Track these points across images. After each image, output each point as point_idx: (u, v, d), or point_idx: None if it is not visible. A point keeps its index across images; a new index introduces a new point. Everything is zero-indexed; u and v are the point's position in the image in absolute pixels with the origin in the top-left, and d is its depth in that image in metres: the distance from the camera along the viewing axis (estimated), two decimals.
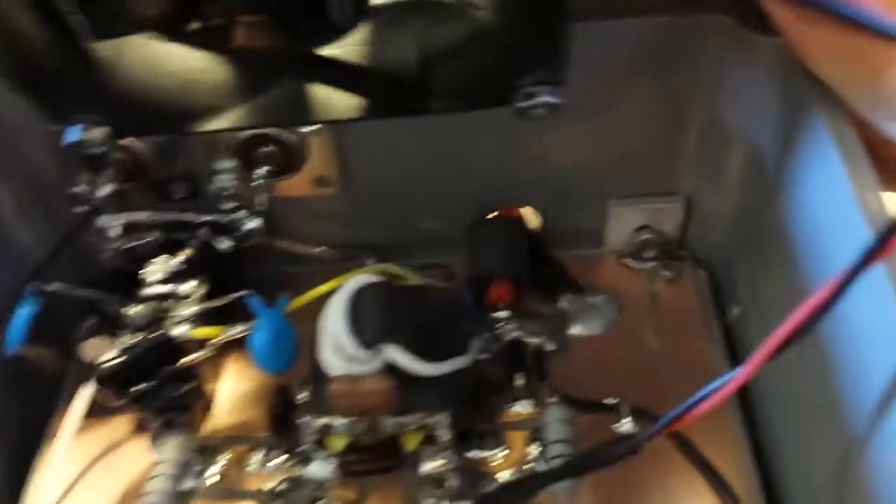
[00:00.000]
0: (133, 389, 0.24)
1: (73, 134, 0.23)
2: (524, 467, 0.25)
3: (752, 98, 0.25)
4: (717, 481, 0.24)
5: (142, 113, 0.23)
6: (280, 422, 0.26)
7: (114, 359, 0.24)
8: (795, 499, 0.24)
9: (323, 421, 0.24)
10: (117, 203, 0.28)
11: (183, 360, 0.25)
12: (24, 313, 0.25)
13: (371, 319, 0.24)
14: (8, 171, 0.28)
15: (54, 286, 0.25)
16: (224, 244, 0.28)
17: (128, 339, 0.26)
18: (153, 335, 0.25)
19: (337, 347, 0.24)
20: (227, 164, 0.28)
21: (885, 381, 0.17)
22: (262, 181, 0.27)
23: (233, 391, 0.28)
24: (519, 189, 0.29)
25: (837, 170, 0.19)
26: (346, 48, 0.22)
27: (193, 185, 0.28)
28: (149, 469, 0.25)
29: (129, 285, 0.27)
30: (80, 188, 0.28)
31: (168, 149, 0.28)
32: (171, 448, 0.25)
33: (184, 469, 0.25)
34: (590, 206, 0.30)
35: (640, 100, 0.26)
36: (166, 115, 0.23)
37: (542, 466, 0.25)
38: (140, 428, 0.27)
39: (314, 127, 0.26)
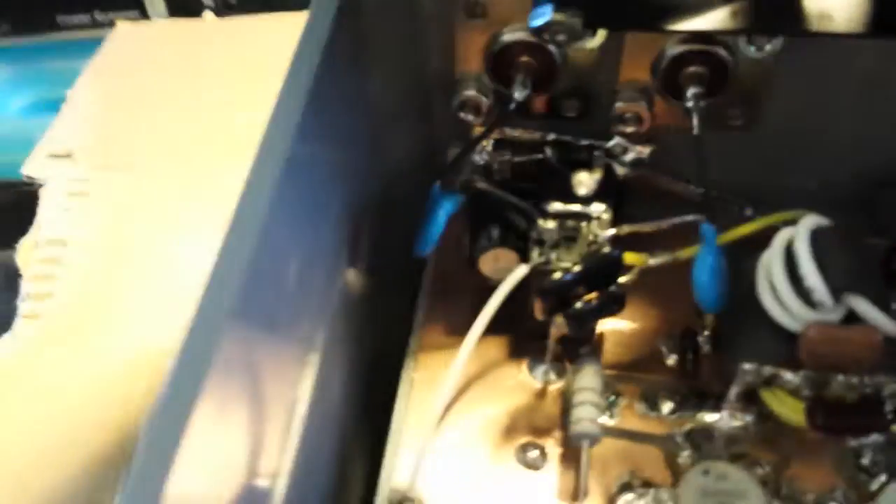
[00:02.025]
0: (574, 307, 0.22)
1: (543, 14, 0.21)
2: None
3: None
4: None
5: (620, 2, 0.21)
6: (689, 363, 0.24)
7: (563, 272, 0.22)
8: None
9: (770, 370, 0.22)
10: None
11: (617, 283, 0.22)
12: (443, 212, 0.23)
13: (840, 265, 0.21)
14: (395, 56, 0.26)
15: (471, 183, 0.23)
16: (622, 170, 0.25)
17: (537, 256, 0.24)
18: (596, 255, 0.22)
19: (792, 291, 0.21)
20: (641, 81, 0.25)
21: None
22: (690, 103, 0.24)
23: (621, 327, 0.26)
24: None
25: None
26: None
27: (586, 104, 0.26)
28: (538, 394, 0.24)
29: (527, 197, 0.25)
30: (474, 91, 0.26)
31: (576, 58, 0.25)
32: (593, 375, 0.23)
33: (600, 405, 0.23)
34: None
35: None
36: (646, 7, 0.21)
37: None
38: (515, 352, 0.25)
39: (768, 47, 0.24)
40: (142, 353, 0.27)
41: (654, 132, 0.26)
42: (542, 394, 0.24)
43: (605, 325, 0.25)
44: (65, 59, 0.45)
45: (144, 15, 0.46)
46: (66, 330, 0.29)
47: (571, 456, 0.23)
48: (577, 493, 0.22)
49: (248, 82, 0.35)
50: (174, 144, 0.34)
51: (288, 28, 0.21)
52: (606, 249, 0.23)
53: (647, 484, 0.22)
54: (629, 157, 0.26)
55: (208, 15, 0.45)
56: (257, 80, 0.28)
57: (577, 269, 0.22)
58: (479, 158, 0.26)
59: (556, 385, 0.24)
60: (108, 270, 0.30)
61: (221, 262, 0.17)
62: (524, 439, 0.23)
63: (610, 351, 0.25)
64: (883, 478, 0.22)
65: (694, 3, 0.21)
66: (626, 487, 0.22)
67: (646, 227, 0.24)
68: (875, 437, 0.22)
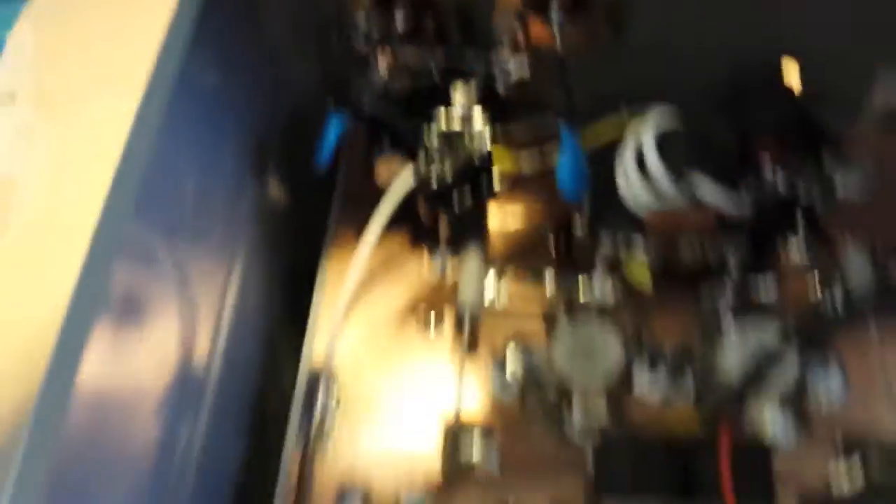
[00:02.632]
0: (451, 203, 0.25)
1: None
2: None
3: None
4: None
5: None
6: (563, 246, 0.27)
7: (435, 174, 0.25)
8: None
9: (626, 244, 0.25)
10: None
11: (485, 182, 0.26)
12: (334, 129, 0.27)
13: (681, 152, 0.25)
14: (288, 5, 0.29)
15: (363, 103, 0.27)
16: (502, 87, 0.29)
17: (423, 162, 0.27)
18: (464, 158, 0.26)
19: (641, 178, 0.25)
20: (511, 5, 0.28)
21: None
22: (554, 24, 0.28)
23: (510, 219, 0.29)
24: (783, 48, 0.30)
25: None
26: None
27: (469, 28, 0.29)
28: (425, 283, 0.27)
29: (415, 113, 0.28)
30: (363, 20, 0.29)
31: None
32: (475, 259, 0.26)
33: (482, 282, 0.26)
34: (855, 71, 0.30)
35: None
36: None
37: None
38: (414, 245, 0.29)
39: None
40: None
41: (531, 51, 0.29)
42: (439, 276, 0.28)
43: (494, 221, 0.29)
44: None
45: None
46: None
47: (465, 329, 0.26)
48: (468, 350, 0.26)
49: None
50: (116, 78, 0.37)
51: None
52: (481, 156, 0.27)
53: (528, 344, 0.26)
54: (509, 75, 0.29)
55: None
56: None
57: (453, 174, 0.25)
58: (375, 81, 0.30)
59: (451, 267, 0.28)
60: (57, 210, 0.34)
61: (118, 174, 0.20)
62: (422, 314, 0.27)
63: (497, 235, 0.29)
64: (727, 329, 0.26)
65: None
66: (509, 346, 0.26)
67: (516, 131, 0.27)
68: (719, 296, 0.26)
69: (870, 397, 0.24)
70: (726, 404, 0.22)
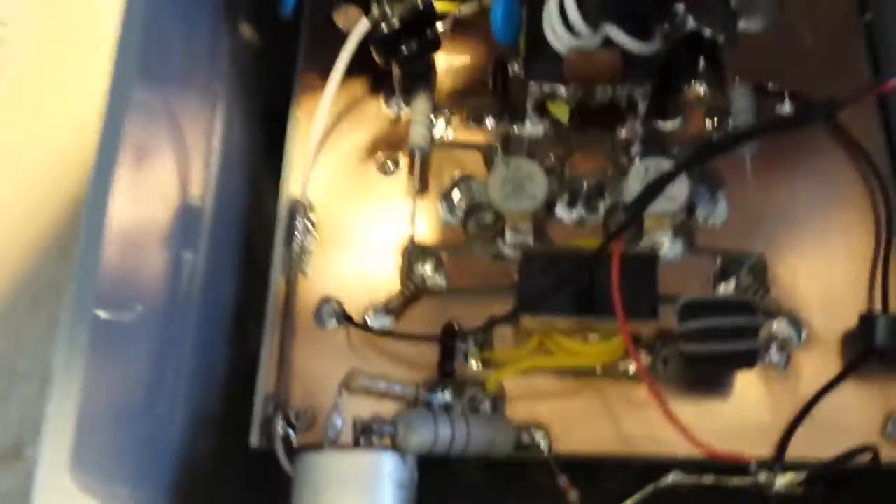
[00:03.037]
0: (400, 49, 0.29)
1: None
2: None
3: None
4: (859, 152, 0.30)
5: None
6: (500, 88, 0.32)
7: (383, 21, 0.29)
8: None
9: (548, 87, 0.30)
10: None
11: (430, 30, 0.29)
12: None
13: (593, 4, 0.28)
14: None
15: None
16: None
17: (376, 10, 0.30)
18: (414, 8, 0.29)
19: (563, 23, 0.29)
20: None
21: None
22: None
23: (454, 63, 0.33)
24: None
25: None
26: None
27: None
28: (392, 121, 0.32)
29: None
30: None
31: None
32: (425, 102, 0.31)
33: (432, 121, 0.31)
34: None
35: None
36: None
37: None
38: (374, 90, 0.33)
39: None
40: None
41: None
42: (396, 120, 0.32)
43: (440, 65, 0.33)
44: None
45: None
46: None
47: (417, 164, 0.31)
48: (419, 184, 0.31)
49: None
50: None
51: None
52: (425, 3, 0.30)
53: (470, 177, 0.31)
54: None
55: None
56: None
57: (400, 21, 0.29)
58: None
59: (405, 111, 0.32)
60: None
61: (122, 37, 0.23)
62: (381, 154, 0.32)
63: (444, 82, 0.33)
64: (637, 159, 0.31)
65: None
66: (455, 184, 0.31)
67: None
68: (634, 131, 0.31)
69: (744, 221, 0.30)
70: (626, 223, 0.27)
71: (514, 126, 0.32)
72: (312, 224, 0.31)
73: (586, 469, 0.26)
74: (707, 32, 0.32)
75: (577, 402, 0.27)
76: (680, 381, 0.27)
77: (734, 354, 0.25)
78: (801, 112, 0.31)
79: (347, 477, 0.23)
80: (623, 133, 0.31)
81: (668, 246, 0.29)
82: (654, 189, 0.26)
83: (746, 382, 0.27)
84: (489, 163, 0.31)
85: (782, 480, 0.24)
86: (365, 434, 0.24)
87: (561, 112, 0.30)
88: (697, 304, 0.26)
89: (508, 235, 0.30)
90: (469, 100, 0.32)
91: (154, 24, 0.24)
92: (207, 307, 0.29)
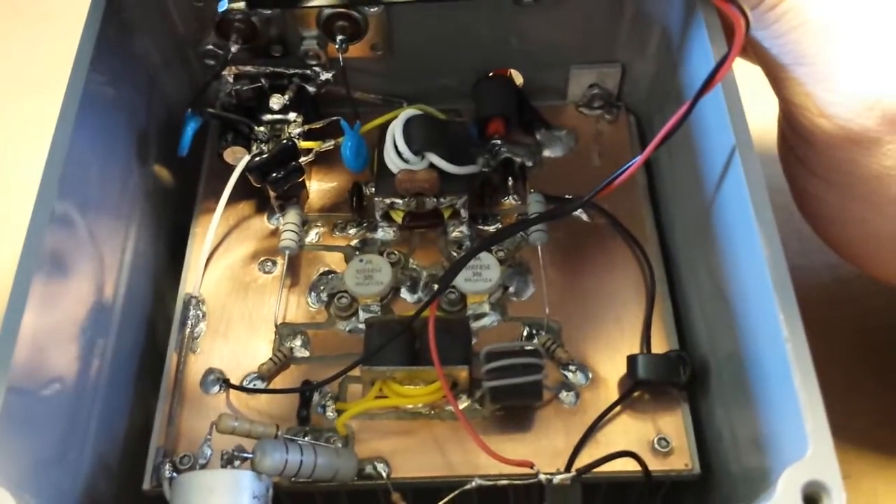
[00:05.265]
0: (271, 176, 0.38)
1: (223, 4, 0.37)
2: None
3: None
4: (626, 234, 0.39)
5: None
6: (357, 204, 0.40)
7: (258, 156, 0.38)
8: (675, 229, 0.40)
9: (389, 200, 0.38)
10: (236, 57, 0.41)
11: (300, 160, 0.38)
12: (190, 127, 0.39)
13: (418, 136, 0.38)
14: (155, 29, 0.40)
15: (211, 109, 0.39)
16: (311, 89, 0.41)
17: (255, 148, 0.39)
18: (281, 143, 0.38)
19: (397, 153, 0.38)
20: (314, 32, 0.40)
21: (722, 155, 0.32)
22: (337, 46, 0.40)
23: (323, 187, 0.42)
24: (508, 57, 0.43)
25: (707, 49, 0.33)
26: None
27: (286, 48, 0.41)
28: (272, 233, 0.40)
29: (250, 114, 0.40)
30: (211, 46, 0.40)
31: (273, 20, 0.40)
32: (294, 214, 0.39)
33: (301, 229, 0.39)
34: (557, 70, 0.43)
35: None
36: None
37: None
38: (259, 209, 0.41)
39: (375, 8, 0.39)
40: None
41: (329, 64, 0.41)
42: (274, 231, 0.41)
43: (312, 187, 0.42)
44: None
45: None
46: None
47: (285, 262, 0.39)
48: (287, 284, 0.39)
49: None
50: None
51: None
52: (291, 140, 0.39)
53: (332, 272, 0.39)
54: (320, 79, 0.41)
55: None
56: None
57: (272, 154, 0.38)
58: (226, 86, 0.41)
59: (282, 224, 0.40)
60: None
61: (48, 163, 0.31)
62: (263, 257, 0.40)
63: (314, 201, 0.42)
64: (460, 251, 0.39)
65: None
66: (319, 276, 0.39)
67: (316, 124, 0.40)
68: (456, 234, 0.39)
69: (546, 294, 0.38)
70: (437, 293, 0.35)
71: (369, 232, 0.40)
72: (203, 313, 0.38)
73: (425, 493, 0.33)
74: (517, 159, 0.42)
75: (411, 437, 0.34)
76: (494, 419, 0.34)
77: (524, 385, 0.33)
78: (559, 206, 0.40)
79: (213, 490, 0.29)
80: (453, 233, 0.40)
81: (487, 315, 0.37)
82: (455, 268, 0.34)
83: (546, 416, 0.34)
84: (349, 260, 0.39)
85: (558, 478, 0.31)
86: (229, 460, 0.31)
87: (397, 216, 0.39)
88: (496, 351, 0.33)
89: (361, 314, 0.37)
90: (333, 209, 0.41)
91: (75, 154, 0.32)
92: (114, 379, 0.35)
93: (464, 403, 0.35)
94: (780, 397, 0.27)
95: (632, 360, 0.35)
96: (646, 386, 0.35)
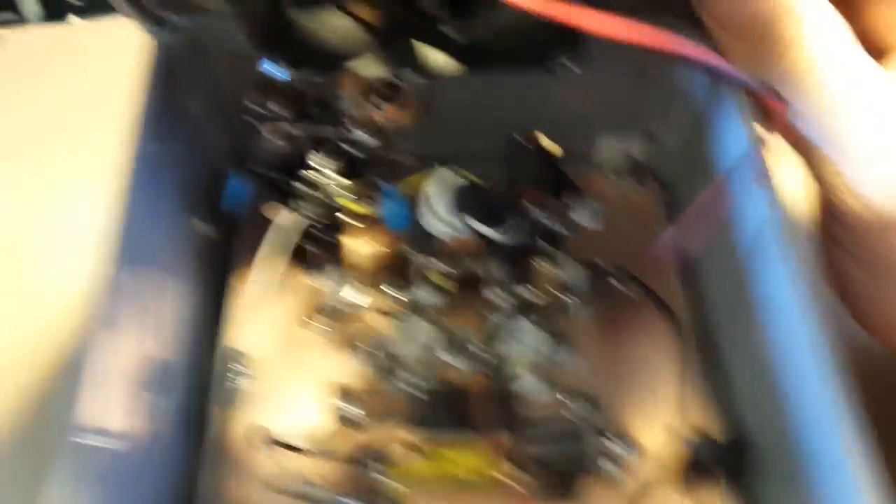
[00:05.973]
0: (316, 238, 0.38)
1: (268, 65, 0.38)
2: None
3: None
4: (658, 302, 0.41)
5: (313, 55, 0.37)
6: (396, 264, 0.41)
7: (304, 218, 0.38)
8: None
9: (428, 261, 0.39)
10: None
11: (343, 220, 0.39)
12: (232, 183, 0.40)
13: (463, 202, 0.39)
14: (199, 85, 0.41)
15: (252, 167, 0.40)
16: (353, 151, 0.42)
17: (299, 207, 0.40)
18: (328, 205, 0.39)
19: (435, 216, 0.39)
20: (354, 95, 0.41)
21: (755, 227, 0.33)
22: (379, 110, 0.41)
23: (362, 246, 0.43)
24: (537, 122, 0.44)
25: (736, 124, 0.35)
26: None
27: (329, 111, 0.42)
28: (315, 292, 0.41)
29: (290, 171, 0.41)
30: (254, 104, 0.41)
31: (317, 84, 0.41)
32: (334, 272, 0.40)
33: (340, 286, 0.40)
34: (586, 137, 0.45)
35: (619, 68, 0.41)
36: (329, 59, 0.37)
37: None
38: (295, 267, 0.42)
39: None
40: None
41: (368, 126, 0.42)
42: (314, 287, 0.41)
43: (352, 245, 0.42)
44: None
45: (20, 16, 0.58)
46: None
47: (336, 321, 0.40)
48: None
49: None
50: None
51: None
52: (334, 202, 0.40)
53: (379, 333, 0.40)
54: (361, 141, 0.42)
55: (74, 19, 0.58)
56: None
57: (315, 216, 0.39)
58: (266, 143, 0.42)
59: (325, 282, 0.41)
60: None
61: (109, 236, 0.32)
62: (304, 312, 0.40)
63: (354, 258, 0.42)
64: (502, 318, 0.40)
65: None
66: (360, 336, 0.40)
67: (366, 190, 0.41)
68: (496, 299, 0.40)
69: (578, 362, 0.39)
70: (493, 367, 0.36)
71: (409, 292, 0.41)
72: (245, 368, 0.38)
73: None
74: (555, 228, 0.43)
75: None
76: (536, 486, 0.35)
77: (568, 454, 0.34)
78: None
79: None
80: (493, 297, 0.41)
81: (529, 381, 0.38)
82: (500, 335, 0.35)
83: (589, 486, 0.35)
84: (390, 320, 0.40)
85: None
86: None
87: (437, 279, 0.40)
88: (539, 419, 0.34)
89: (407, 376, 0.38)
90: (376, 271, 0.42)
91: (132, 217, 0.33)
92: (174, 437, 0.35)
93: (510, 470, 0.36)
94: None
95: (689, 442, 0.36)
96: (699, 468, 0.36)
